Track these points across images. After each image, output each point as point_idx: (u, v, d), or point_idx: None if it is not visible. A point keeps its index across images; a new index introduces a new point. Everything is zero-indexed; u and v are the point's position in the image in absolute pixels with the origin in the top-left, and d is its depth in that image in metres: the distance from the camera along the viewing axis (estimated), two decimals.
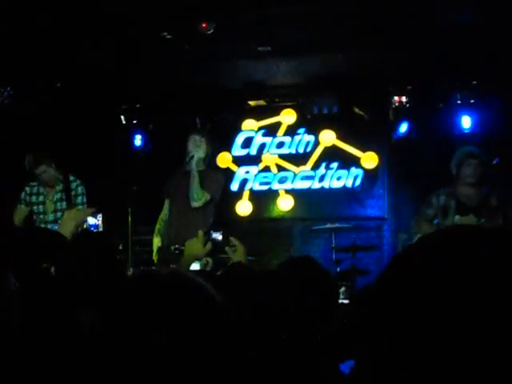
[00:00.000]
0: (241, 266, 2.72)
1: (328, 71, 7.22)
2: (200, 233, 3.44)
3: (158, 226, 5.56)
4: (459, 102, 7.19)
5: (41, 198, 5.67)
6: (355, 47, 6.50)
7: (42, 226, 5.46)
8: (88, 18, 5.87)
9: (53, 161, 5.55)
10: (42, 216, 5.62)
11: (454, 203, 5.30)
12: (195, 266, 3.67)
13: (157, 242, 5.47)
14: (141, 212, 6.29)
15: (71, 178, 5.66)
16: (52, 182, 5.61)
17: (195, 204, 5.30)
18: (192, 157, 5.32)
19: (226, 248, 3.38)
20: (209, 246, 3.40)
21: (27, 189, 5.71)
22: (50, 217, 5.60)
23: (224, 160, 8.00)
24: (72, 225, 3.07)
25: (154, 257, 5.39)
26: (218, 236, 3.49)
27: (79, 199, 5.60)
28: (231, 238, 3.40)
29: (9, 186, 6.08)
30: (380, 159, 7.69)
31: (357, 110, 7.58)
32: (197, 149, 5.40)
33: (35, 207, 5.67)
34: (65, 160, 5.79)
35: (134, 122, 7.80)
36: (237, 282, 2.08)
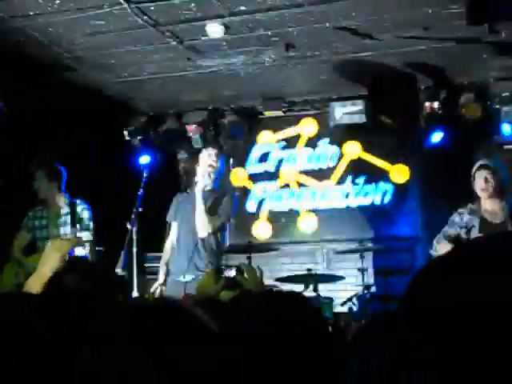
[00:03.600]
0: (246, 295, 2.70)
1: (351, 76, 7.11)
2: (209, 270, 3.52)
3: (164, 256, 5.55)
4: (497, 106, 7.06)
5: (44, 222, 5.69)
6: (381, 49, 6.36)
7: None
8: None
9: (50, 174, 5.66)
10: (45, 241, 5.46)
11: (478, 221, 5.32)
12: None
13: (163, 272, 5.44)
14: (147, 238, 6.22)
15: (77, 201, 5.68)
16: (45, 196, 5.66)
17: (202, 234, 5.28)
18: (195, 182, 5.33)
19: (236, 276, 3.39)
20: (222, 282, 3.37)
21: (30, 214, 5.76)
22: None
23: (238, 177, 8.00)
24: (56, 257, 2.89)
25: (159, 287, 5.38)
26: (231, 273, 3.47)
27: (84, 225, 5.61)
28: (240, 264, 3.45)
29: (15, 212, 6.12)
30: (411, 172, 7.62)
31: (384, 118, 7.47)
32: (208, 168, 5.38)
33: (38, 232, 5.69)
34: (70, 181, 5.83)
35: (139, 137, 7.77)
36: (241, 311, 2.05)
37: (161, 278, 5.44)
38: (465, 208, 5.46)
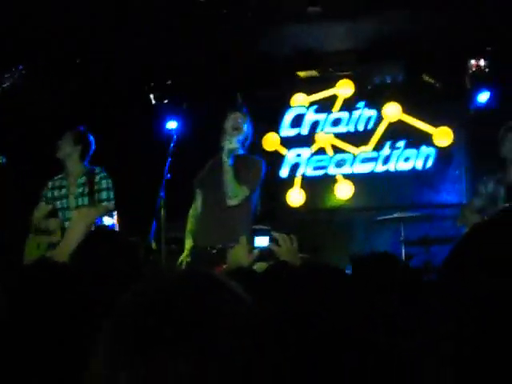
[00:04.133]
0: (282, 267, 2.68)
1: (391, 33, 7.00)
2: (242, 239, 3.31)
3: (189, 225, 5.37)
4: None
5: (64, 192, 5.56)
6: (422, 3, 6.24)
7: (66, 224, 5.32)
8: None
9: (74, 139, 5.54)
10: (66, 212, 5.51)
11: (504, 191, 5.11)
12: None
13: (189, 242, 5.27)
14: (175, 206, 6.16)
15: (96, 169, 5.52)
16: (63, 157, 5.52)
17: (231, 202, 5.11)
18: (222, 148, 5.15)
19: (270, 245, 3.27)
20: (255, 253, 3.28)
21: (50, 183, 5.63)
22: (72, 214, 5.39)
23: (271, 142, 7.98)
24: (82, 226, 2.94)
25: (185, 258, 5.22)
26: (264, 241, 3.29)
27: (103, 195, 5.44)
28: (274, 234, 3.29)
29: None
30: (455, 135, 7.50)
31: (426, 77, 7.46)
32: (233, 132, 5.22)
33: (58, 202, 5.56)
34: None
35: (165, 101, 7.69)
36: (276, 285, 2.09)
37: (187, 248, 5.29)
38: (491, 177, 5.29)
